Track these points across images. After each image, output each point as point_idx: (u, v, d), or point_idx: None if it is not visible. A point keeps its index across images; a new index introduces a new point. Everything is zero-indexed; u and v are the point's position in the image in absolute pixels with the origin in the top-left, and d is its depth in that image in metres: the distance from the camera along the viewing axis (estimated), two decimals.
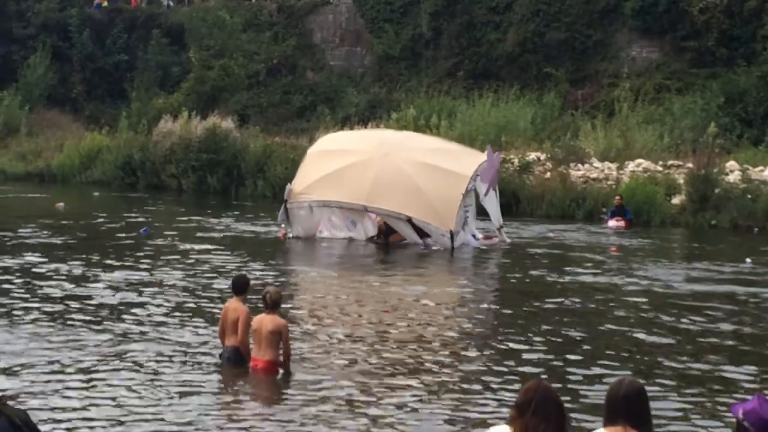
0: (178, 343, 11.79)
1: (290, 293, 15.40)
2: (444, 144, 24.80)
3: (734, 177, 27.35)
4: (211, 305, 13.95)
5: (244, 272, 14.39)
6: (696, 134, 30.30)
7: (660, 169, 28.99)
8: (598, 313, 14.52)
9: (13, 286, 15.22)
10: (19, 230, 22.03)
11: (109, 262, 17.86)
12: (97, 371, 10.47)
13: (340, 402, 9.67)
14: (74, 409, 9.18)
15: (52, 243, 20.46)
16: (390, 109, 37.04)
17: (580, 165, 29.78)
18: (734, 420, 5.10)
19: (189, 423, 8.93)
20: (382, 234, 21.87)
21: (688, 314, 14.34)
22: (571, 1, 38.15)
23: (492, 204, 22.59)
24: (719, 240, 24.21)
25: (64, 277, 16.10)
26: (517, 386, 9.42)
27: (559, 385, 9.75)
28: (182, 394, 9.74)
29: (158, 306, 13.97)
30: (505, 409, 8.39)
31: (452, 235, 20.51)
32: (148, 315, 13.35)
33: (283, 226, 22.25)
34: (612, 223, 25.93)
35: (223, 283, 15.29)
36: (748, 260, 19.64)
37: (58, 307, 13.67)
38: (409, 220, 21.05)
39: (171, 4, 48.99)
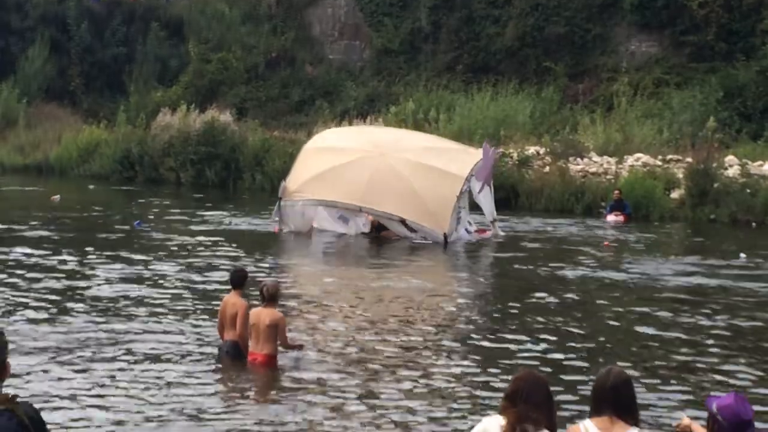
0: (176, 337, 11.75)
1: (286, 287, 15.34)
2: (440, 142, 24.65)
3: (733, 171, 27.32)
4: (209, 299, 13.90)
5: (241, 266, 14.34)
6: (695, 129, 30.30)
7: (659, 163, 28.97)
8: (593, 306, 14.51)
9: (5, 275, 15.19)
10: (14, 224, 21.99)
11: (105, 254, 17.81)
12: (93, 364, 10.43)
13: (338, 396, 9.64)
14: (69, 402, 9.15)
15: (47, 236, 20.41)
16: (389, 103, 37.04)
17: (579, 159, 29.74)
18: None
19: (188, 417, 8.90)
20: (374, 229, 21.86)
21: (682, 308, 14.35)
22: None
23: (486, 199, 22.50)
24: (718, 234, 24.18)
25: (59, 270, 16.07)
26: None
27: (555, 378, 9.73)
28: (181, 388, 9.70)
29: (155, 299, 13.93)
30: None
31: (446, 238, 20.44)
32: (145, 308, 13.29)
33: (276, 221, 22.22)
34: (611, 217, 25.90)
35: (221, 277, 15.24)
36: (743, 255, 19.64)
37: (54, 298, 13.64)
38: (403, 222, 21.03)
39: None
